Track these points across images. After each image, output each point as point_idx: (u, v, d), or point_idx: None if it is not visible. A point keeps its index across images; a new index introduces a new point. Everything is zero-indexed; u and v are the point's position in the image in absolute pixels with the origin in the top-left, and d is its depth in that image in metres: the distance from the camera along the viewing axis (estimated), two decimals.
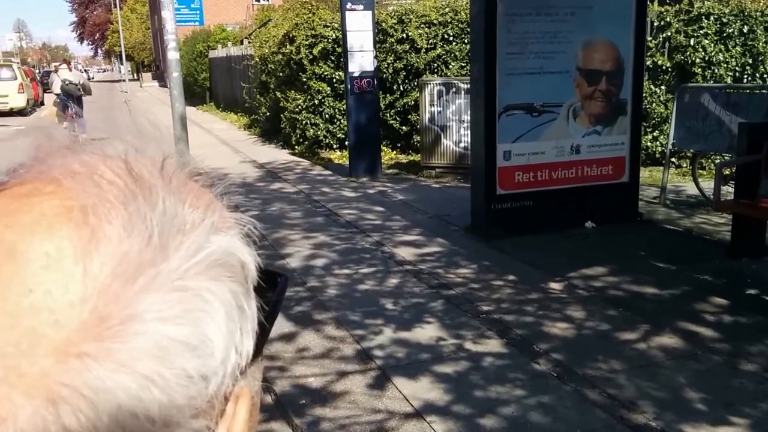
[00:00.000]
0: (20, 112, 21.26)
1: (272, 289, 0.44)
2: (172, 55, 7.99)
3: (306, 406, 3.04)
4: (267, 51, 11.27)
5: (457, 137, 8.04)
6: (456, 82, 8.04)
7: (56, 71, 13.92)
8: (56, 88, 12.90)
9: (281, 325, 3.90)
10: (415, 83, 8.95)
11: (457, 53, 9.25)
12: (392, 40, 9.38)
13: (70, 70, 13.47)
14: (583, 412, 2.93)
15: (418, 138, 8.73)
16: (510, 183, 5.43)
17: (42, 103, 26.71)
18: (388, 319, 3.92)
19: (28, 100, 22.08)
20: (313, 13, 10.20)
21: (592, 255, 4.97)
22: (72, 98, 12.47)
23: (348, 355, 3.50)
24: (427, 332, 3.72)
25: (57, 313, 0.29)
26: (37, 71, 54.49)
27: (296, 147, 10.59)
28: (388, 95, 9.56)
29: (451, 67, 9.29)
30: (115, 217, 0.32)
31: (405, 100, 9.47)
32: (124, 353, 0.29)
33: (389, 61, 9.40)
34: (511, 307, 4.08)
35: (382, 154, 9.18)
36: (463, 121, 7.75)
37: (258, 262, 0.39)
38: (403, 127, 9.59)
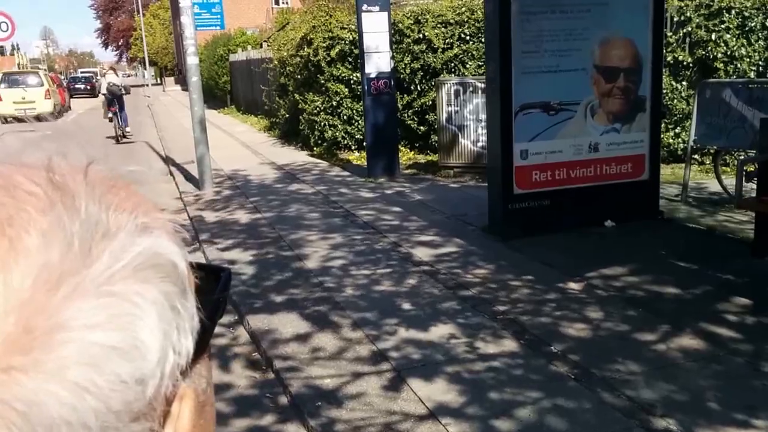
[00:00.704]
0: (48, 118, 21.59)
1: (215, 284, 0.44)
2: (192, 59, 8.07)
3: (321, 407, 3.04)
4: (285, 54, 11.32)
5: (475, 136, 8.00)
6: (473, 81, 8.00)
7: (104, 75, 16.74)
8: (103, 89, 15.49)
9: (297, 325, 3.91)
10: (432, 83, 8.93)
11: (474, 52, 9.20)
12: (409, 40, 9.36)
13: (116, 74, 16.18)
14: (601, 415, 2.89)
15: (436, 138, 8.70)
16: (527, 182, 5.39)
17: (69, 108, 27.11)
18: (403, 319, 3.91)
19: (54, 106, 22.40)
20: (330, 16, 10.22)
21: (611, 254, 4.90)
22: (116, 97, 14.89)
23: (363, 356, 3.49)
24: (442, 333, 3.70)
25: None
26: (63, 77, 55.37)
27: (315, 148, 10.62)
28: (405, 95, 9.55)
29: (468, 66, 9.25)
30: (34, 227, 0.31)
31: (422, 100, 9.45)
32: (53, 363, 0.29)
33: (406, 62, 9.38)
34: (527, 307, 4.04)
35: (400, 154, 9.17)
36: (481, 120, 7.70)
37: (192, 260, 0.39)
38: (421, 127, 9.57)
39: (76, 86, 40.80)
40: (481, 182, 7.35)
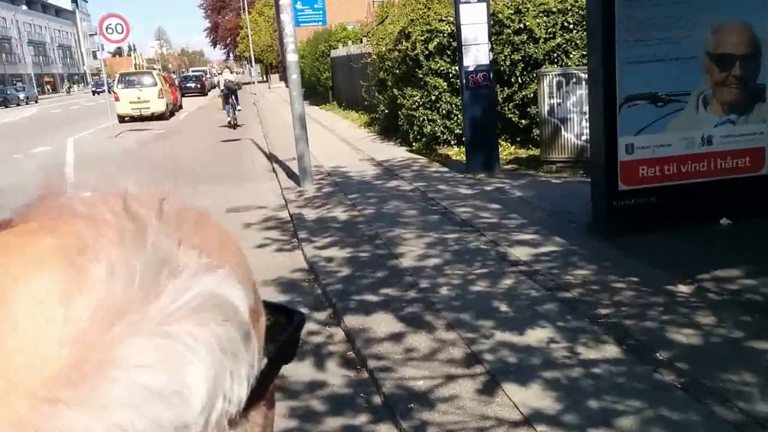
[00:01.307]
0: (160, 116, 22.78)
1: (287, 327, 0.44)
2: (291, 57, 8.24)
3: (413, 409, 3.03)
4: (384, 48, 11.36)
5: (579, 129, 7.72)
6: (576, 72, 7.72)
7: (220, 74, 21.24)
8: (221, 85, 19.15)
9: (391, 325, 3.91)
10: (534, 75, 8.69)
11: (578, 42, 8.87)
12: (509, 31, 9.15)
13: (231, 72, 20.82)
14: (710, 429, 2.71)
15: (538, 131, 8.47)
16: (633, 178, 5.14)
17: (180, 107, 28.48)
18: (499, 321, 3.83)
19: (167, 105, 23.59)
20: (428, 8, 10.15)
21: (726, 255, 4.59)
22: (231, 92, 18.24)
23: (457, 358, 3.45)
24: (540, 336, 3.59)
25: (34, 357, 0.29)
26: (175, 76, 58.38)
27: (414, 144, 10.61)
28: (505, 88, 9.36)
29: (572, 56, 8.94)
30: (103, 259, 0.31)
31: (524, 93, 9.22)
32: (98, 401, 0.29)
33: (506, 53, 9.19)
34: (632, 311, 3.85)
35: (501, 149, 9.00)
36: (585, 112, 7.41)
37: (265, 299, 0.40)
38: (522, 121, 9.35)
39: (187, 85, 42.76)
40: (585, 178, 7.08)
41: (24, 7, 78.76)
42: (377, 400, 3.27)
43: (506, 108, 9.35)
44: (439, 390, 3.16)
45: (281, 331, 0.43)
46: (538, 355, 3.39)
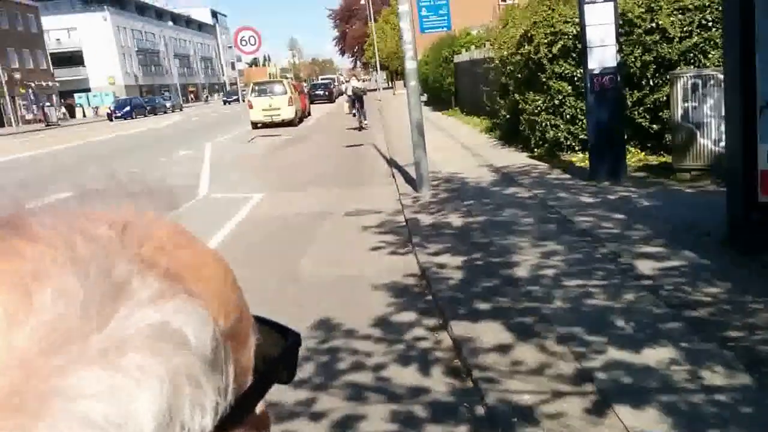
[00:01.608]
0: (290, 123, 23.69)
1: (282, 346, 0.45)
2: (410, 64, 8.27)
3: (516, 424, 2.90)
4: (506, 52, 11.14)
5: (716, 135, 7.17)
6: (714, 73, 7.18)
7: (348, 81, 24.34)
8: (348, 91, 21.57)
9: (499, 335, 3.79)
10: (667, 77, 8.18)
11: (717, 40, 8.23)
12: (639, 30, 8.67)
13: (358, 80, 22.68)
14: None
15: (670, 137, 7.96)
16: None
17: (309, 114, 29.48)
18: (615, 338, 3.60)
19: (296, 112, 24.50)
20: (552, 10, 9.84)
21: None
22: (358, 97, 20.19)
23: (566, 374, 3.27)
24: (659, 357, 3.34)
25: None
26: (306, 84, 60.52)
27: (535, 150, 10.33)
28: (635, 91, 8.87)
29: (710, 56, 8.32)
30: (53, 284, 0.30)
31: (655, 96, 8.70)
32: (37, 431, 0.28)
33: (636, 54, 8.71)
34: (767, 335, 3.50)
35: (629, 155, 8.56)
36: (723, 117, 6.88)
37: (258, 315, 0.41)
38: (653, 126, 8.83)
39: (316, 92, 44.25)
40: (721, 188, 6.57)
41: (170, 23, 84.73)
42: (480, 411, 3.17)
43: (636, 112, 8.87)
44: (545, 406, 3.01)
45: (272, 349, 0.43)
46: (657, 377, 3.15)
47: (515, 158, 10.41)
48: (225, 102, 60.30)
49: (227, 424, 0.34)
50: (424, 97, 31.24)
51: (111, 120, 45.59)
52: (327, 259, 6.10)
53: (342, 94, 45.01)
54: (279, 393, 3.41)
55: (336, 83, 54.70)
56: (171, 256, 0.36)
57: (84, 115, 61.99)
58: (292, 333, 0.44)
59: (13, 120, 45.93)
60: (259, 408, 0.40)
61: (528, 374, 3.33)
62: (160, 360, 0.31)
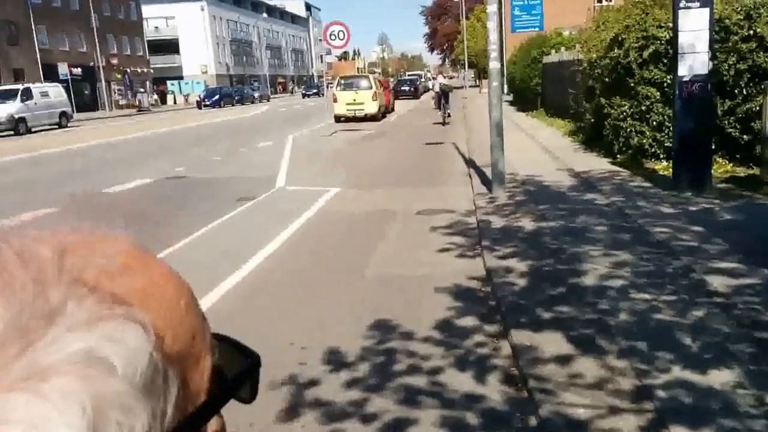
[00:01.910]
0: (373, 118, 23.92)
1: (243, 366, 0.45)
2: (493, 64, 8.22)
3: None
4: (595, 55, 10.88)
5: None
6: None
7: (435, 78, 27.70)
8: (436, 87, 23.16)
9: (560, 346, 3.75)
10: (761, 86, 7.80)
11: None
12: (736, 38, 8.29)
13: (445, 77, 25.12)
14: None
15: (760, 149, 7.59)
16: None
17: (392, 110, 29.64)
18: (680, 356, 3.49)
19: (379, 107, 24.71)
20: (647, 14, 9.53)
21: None
22: (444, 93, 21.17)
23: (624, 390, 3.21)
24: (725, 379, 3.22)
25: None
26: (393, 79, 60.69)
27: (618, 156, 10.04)
28: (727, 100, 8.50)
29: None
30: None
31: (748, 106, 8.30)
32: None
33: (731, 62, 8.33)
34: None
35: (716, 166, 8.22)
36: None
37: (219, 333, 0.40)
38: (744, 136, 8.43)
39: (402, 88, 44.30)
40: None
41: (264, 15, 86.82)
42: (533, 422, 3.15)
43: (726, 121, 8.50)
44: (600, 421, 2.97)
45: (232, 370, 0.44)
46: (719, 399, 3.05)
47: (596, 163, 10.16)
48: (304, 95, 60.82)
49: None
50: (510, 97, 30.84)
51: (200, 108, 47.12)
52: (394, 258, 6.16)
53: (428, 91, 45.01)
54: (333, 392, 3.51)
55: (422, 80, 54.67)
56: (117, 280, 0.36)
57: (175, 102, 64.36)
58: (251, 353, 0.45)
59: (107, 104, 48.20)
60: (213, 428, 0.41)
61: (585, 388, 3.29)
62: (85, 386, 0.30)
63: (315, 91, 57.63)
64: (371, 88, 24.26)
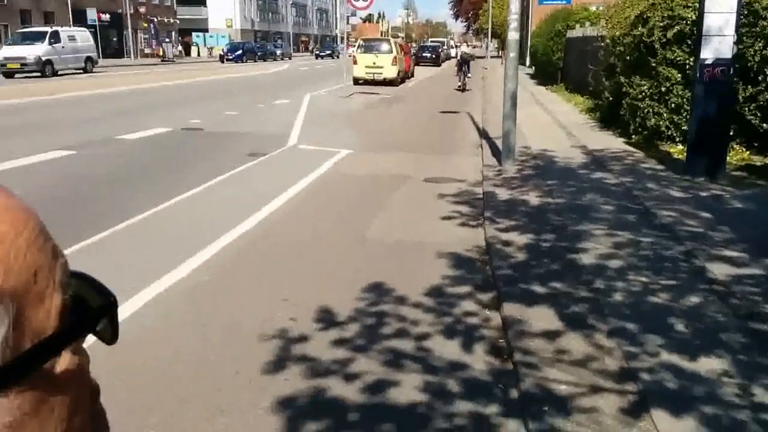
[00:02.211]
0: (391, 82, 23.68)
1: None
2: (512, 35, 8.08)
3: (546, 413, 2.86)
4: (617, 32, 10.64)
5: None
6: None
7: (458, 46, 27.24)
8: (458, 55, 23.35)
9: (549, 321, 3.73)
10: None
11: None
12: (765, 23, 8.07)
13: (468, 46, 24.38)
14: None
15: None
16: None
17: (411, 76, 29.33)
18: (670, 341, 3.46)
19: (399, 72, 24.44)
20: None
21: None
22: (465, 62, 21.93)
23: (609, 371, 3.19)
24: (712, 367, 3.19)
25: None
26: (415, 45, 59.86)
27: (633, 136, 9.89)
28: (749, 86, 8.30)
29: None
30: None
31: None
32: None
33: (757, 48, 8.12)
34: None
35: (732, 153, 8.09)
36: None
37: (77, 270, 0.40)
38: (764, 125, 8.26)
39: (423, 54, 43.72)
40: None
41: None
42: (514, 394, 3.14)
43: (746, 108, 8.31)
44: (580, 399, 2.95)
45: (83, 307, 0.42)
46: (704, 386, 3.02)
47: (611, 142, 10.02)
48: (317, 56, 59.87)
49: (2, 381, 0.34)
50: (531, 70, 30.41)
51: (222, 62, 47.02)
52: (397, 222, 6.13)
53: (449, 59, 44.44)
54: (320, 350, 3.52)
55: (445, 47, 53.89)
56: None
57: (198, 55, 64.15)
58: (107, 293, 0.43)
59: (132, 52, 48.16)
60: (63, 366, 0.40)
61: (570, 365, 3.27)
62: None
63: (329, 52, 56.94)
64: (392, 52, 23.96)
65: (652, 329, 3.58)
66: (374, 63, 23.58)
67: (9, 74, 25.98)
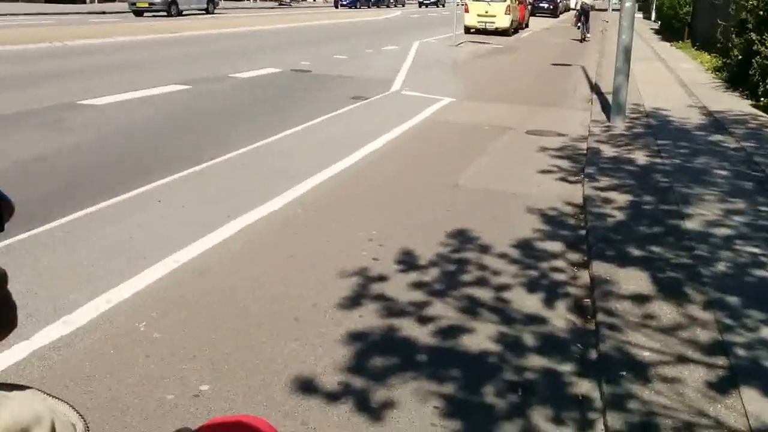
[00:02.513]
0: (504, 32, 22.92)
1: None
2: None
3: (624, 378, 2.72)
4: None
5: None
6: None
7: None
8: (576, 6, 23.05)
9: (641, 285, 3.53)
10: None
11: None
12: None
13: None
14: None
15: None
16: None
17: (526, 26, 28.26)
18: None
19: (512, 22, 23.57)
20: None
21: None
22: (584, 12, 21.54)
23: (700, 342, 2.98)
24: None
25: None
26: None
27: (762, 99, 9.10)
28: None
29: None
30: None
31: None
32: None
33: None
34: None
35: None
36: None
37: None
38: None
39: (540, 5, 41.87)
40: None
41: None
42: (593, 355, 3.01)
43: None
44: (663, 368, 2.78)
45: None
46: None
47: (735, 104, 9.28)
48: (420, 4, 58.31)
49: None
50: (656, 25, 28.58)
51: (336, 7, 47.09)
52: (492, 172, 5.97)
53: (568, 10, 42.44)
54: (397, 290, 3.50)
55: None
56: None
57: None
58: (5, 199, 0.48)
59: None
60: None
61: (657, 331, 3.08)
62: None
63: (434, 1, 55.61)
64: (506, 1, 23.08)
65: (755, 304, 3.32)
66: (486, 12, 22.84)
67: (138, 12, 27.28)
